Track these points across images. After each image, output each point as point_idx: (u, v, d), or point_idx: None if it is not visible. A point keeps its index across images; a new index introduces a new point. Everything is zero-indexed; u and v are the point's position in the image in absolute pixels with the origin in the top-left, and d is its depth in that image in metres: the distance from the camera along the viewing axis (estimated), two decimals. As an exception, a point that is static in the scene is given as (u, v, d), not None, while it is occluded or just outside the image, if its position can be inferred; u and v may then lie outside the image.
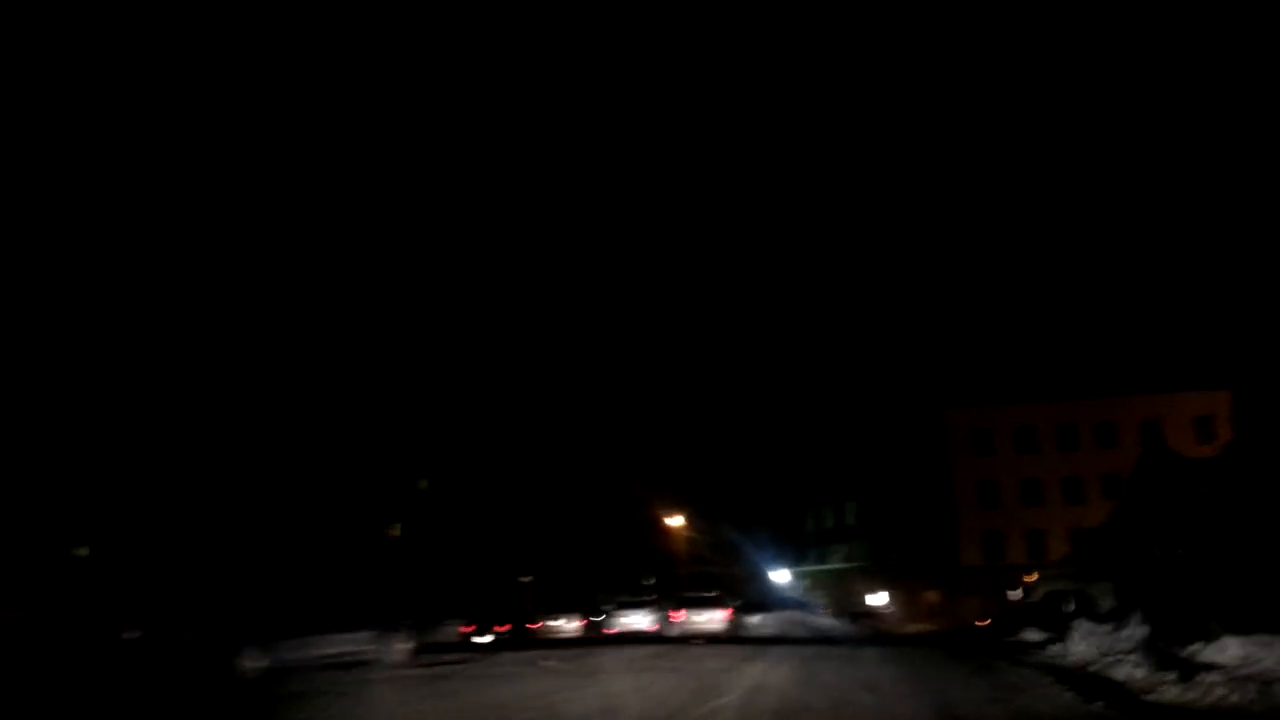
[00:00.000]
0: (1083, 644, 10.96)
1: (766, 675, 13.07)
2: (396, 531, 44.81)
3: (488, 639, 29.21)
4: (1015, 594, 52.14)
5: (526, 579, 44.74)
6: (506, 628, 30.31)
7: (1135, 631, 10.90)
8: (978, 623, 49.04)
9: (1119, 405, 53.33)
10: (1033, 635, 14.23)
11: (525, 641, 28.64)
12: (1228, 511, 9.11)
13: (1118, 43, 73.06)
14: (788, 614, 30.69)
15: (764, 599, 37.32)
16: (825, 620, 30.93)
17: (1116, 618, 12.90)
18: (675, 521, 55.52)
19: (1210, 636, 9.17)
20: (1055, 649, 11.77)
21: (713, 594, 28.60)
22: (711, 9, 70.40)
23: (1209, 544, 9.32)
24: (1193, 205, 75.60)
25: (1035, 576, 16.42)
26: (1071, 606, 14.75)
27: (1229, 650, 8.83)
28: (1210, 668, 8.50)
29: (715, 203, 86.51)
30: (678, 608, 28.36)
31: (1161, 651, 9.62)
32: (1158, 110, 73.12)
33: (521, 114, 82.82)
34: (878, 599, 54.98)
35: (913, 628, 47.15)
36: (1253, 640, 8.82)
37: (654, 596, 30.03)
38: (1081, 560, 15.73)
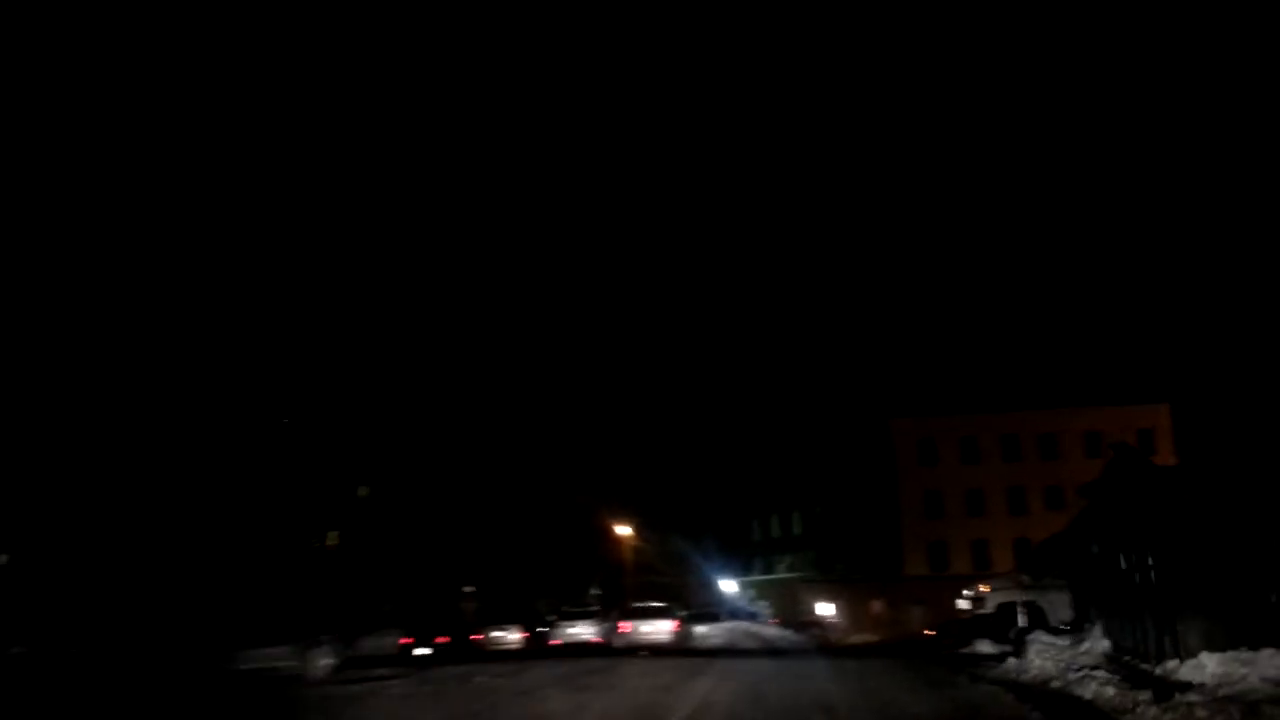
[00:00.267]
0: (1040, 658, 10.25)
1: (713, 693, 12.25)
2: (335, 540, 43.21)
3: (427, 651, 28.23)
4: (964, 604, 52.30)
5: (470, 589, 43.40)
6: (447, 639, 29.20)
7: (1095, 645, 10.30)
8: (925, 632, 49.18)
9: (1062, 417, 53.93)
10: (986, 647, 13.65)
11: (466, 654, 27.76)
12: (1205, 520, 8.50)
13: (1048, 61, 74.52)
14: (735, 624, 30.02)
15: (712, 609, 36.62)
16: (772, 630, 30.30)
17: (1075, 630, 12.35)
18: (623, 530, 54.51)
19: (1186, 653, 8.53)
20: (1013, 663, 11.07)
21: (660, 605, 27.80)
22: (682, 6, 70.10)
23: (1183, 553, 8.70)
24: (1138, 224, 77.29)
25: (988, 587, 15.80)
26: (1024, 619, 14.23)
27: (1208, 668, 8.16)
28: (1188, 687, 7.85)
29: (662, 210, 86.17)
30: (624, 618, 27.56)
31: (1130, 668, 8.99)
32: (1098, 126, 74.72)
33: (435, 114, 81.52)
34: (824, 609, 54.66)
35: (858, 638, 46.81)
36: (1232, 657, 8.20)
37: (599, 607, 29.08)
38: (1036, 570, 15.18)
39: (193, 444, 33.70)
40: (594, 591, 48.70)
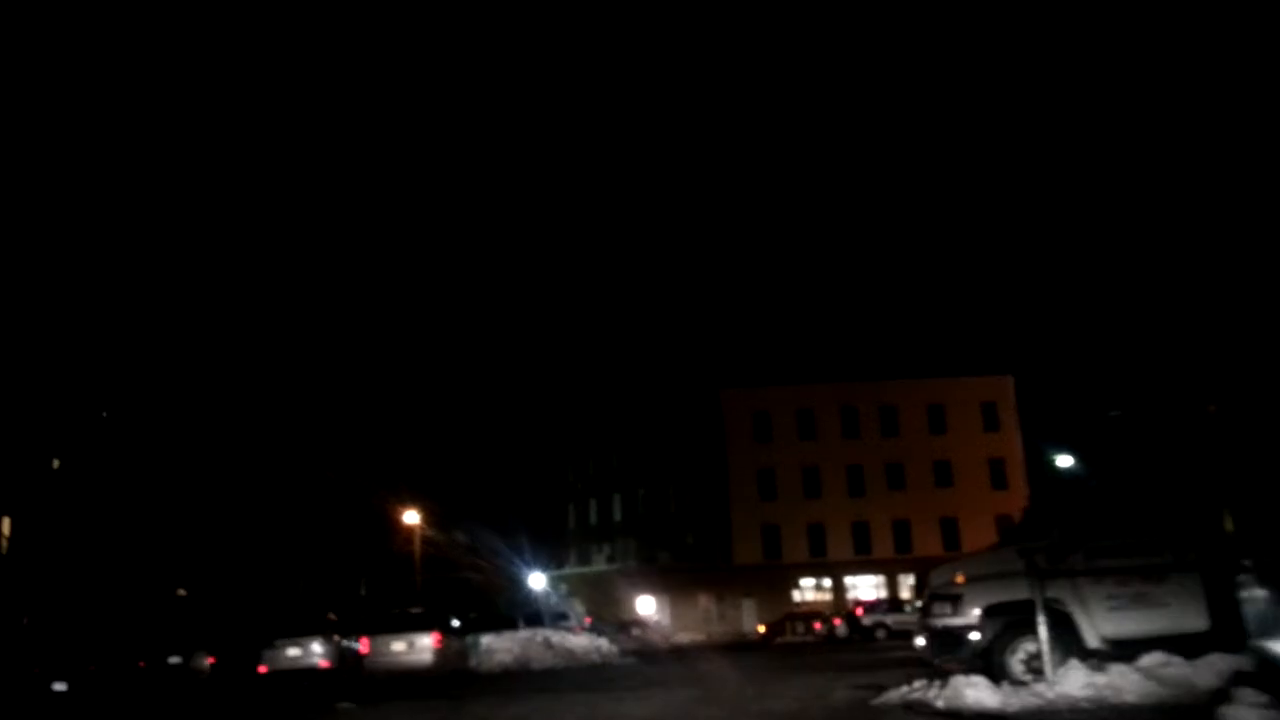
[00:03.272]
0: None
1: None
2: (5, 529, 33.00)
3: (63, 687, 19.25)
4: (799, 595, 47.37)
5: (183, 592, 33.29)
6: (93, 668, 20.20)
7: None
8: (758, 629, 43.73)
9: (903, 388, 49.67)
10: (981, 697, 6.61)
11: (126, 687, 19.89)
12: None
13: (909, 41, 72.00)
14: (534, 633, 22.39)
15: (508, 612, 28.95)
16: (581, 639, 22.87)
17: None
18: (412, 519, 44.92)
19: None
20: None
21: (417, 612, 19.75)
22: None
23: None
24: (979, 197, 76.28)
25: (960, 578, 8.46)
26: (1033, 646, 7.32)
27: None
28: None
29: (468, 172, 77.37)
30: (367, 632, 19.46)
31: None
32: (931, 96, 72.86)
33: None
34: (645, 605, 48.11)
35: (684, 637, 41.00)
36: None
37: (334, 619, 20.78)
38: (1055, 547, 8.12)
39: None
40: (363, 594, 39.63)
